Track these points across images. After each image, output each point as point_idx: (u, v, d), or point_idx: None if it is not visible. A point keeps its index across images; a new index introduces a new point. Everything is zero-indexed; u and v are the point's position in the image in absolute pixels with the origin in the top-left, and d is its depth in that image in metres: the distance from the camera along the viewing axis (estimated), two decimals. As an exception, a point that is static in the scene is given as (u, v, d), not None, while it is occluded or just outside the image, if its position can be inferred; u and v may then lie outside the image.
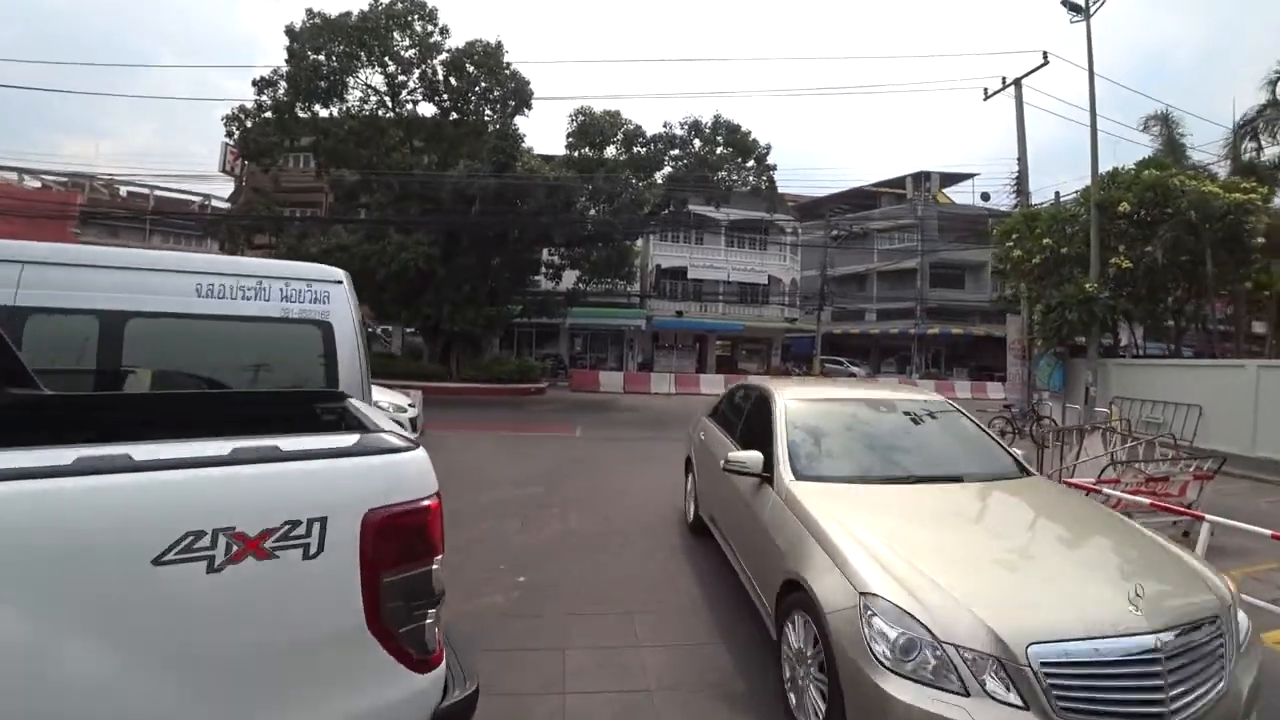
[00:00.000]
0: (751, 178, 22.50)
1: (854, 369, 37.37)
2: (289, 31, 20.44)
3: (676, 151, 22.20)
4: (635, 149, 22.02)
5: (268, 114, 21.27)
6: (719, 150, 21.86)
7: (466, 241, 22.36)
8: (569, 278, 25.95)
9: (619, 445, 12.22)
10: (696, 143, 22.09)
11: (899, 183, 39.59)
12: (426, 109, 22.86)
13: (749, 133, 21.08)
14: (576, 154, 22.39)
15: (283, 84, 20.78)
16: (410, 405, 10.76)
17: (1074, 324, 14.58)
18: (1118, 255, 14.44)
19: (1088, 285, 14.36)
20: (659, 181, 22.67)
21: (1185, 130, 18.75)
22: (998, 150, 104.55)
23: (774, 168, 21.94)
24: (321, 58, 20.72)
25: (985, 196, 34.83)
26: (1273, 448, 10.97)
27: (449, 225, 21.18)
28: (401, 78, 21.92)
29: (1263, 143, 18.38)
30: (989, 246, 40.66)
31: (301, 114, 21.72)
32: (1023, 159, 18.80)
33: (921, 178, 39.21)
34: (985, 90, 19.72)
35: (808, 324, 36.77)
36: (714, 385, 26.63)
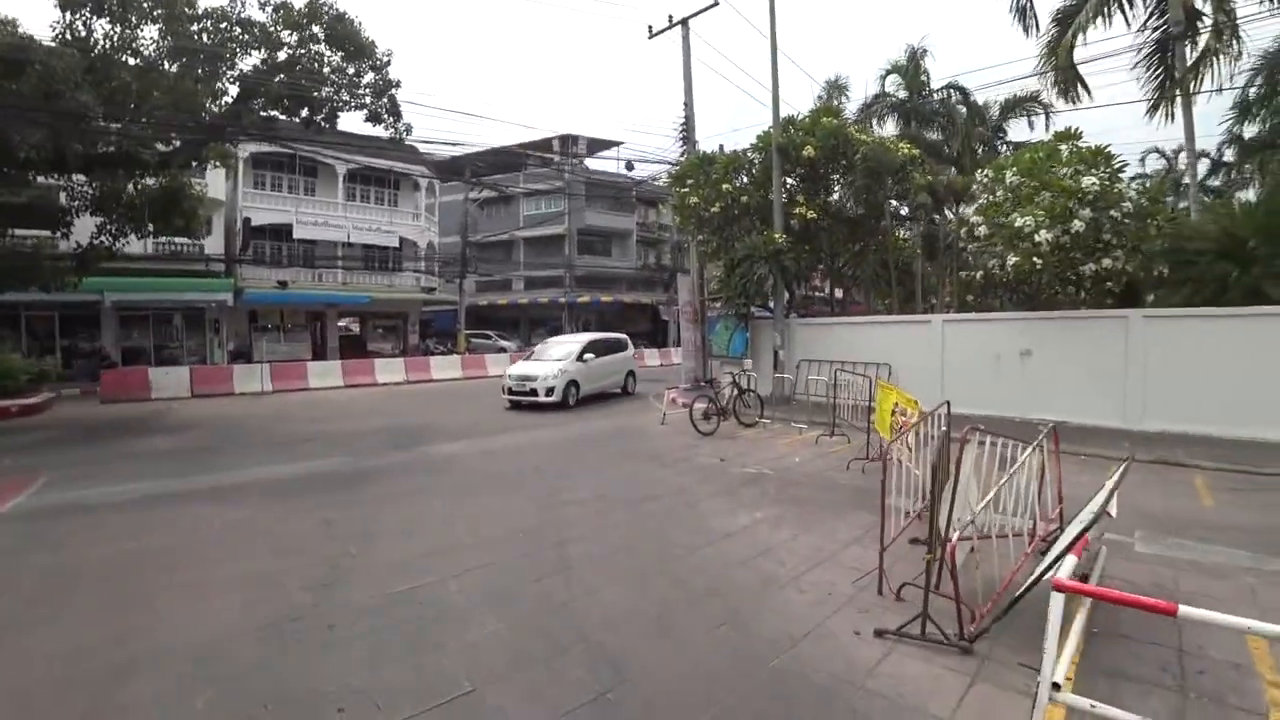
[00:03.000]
0: (369, 97, 16.69)
1: (504, 343, 34.21)
2: None
3: (256, 40, 15.25)
4: (182, 26, 14.43)
5: None
6: (319, 48, 15.64)
7: None
8: (86, 228, 16.78)
9: (81, 534, 6.13)
10: (285, 34, 15.46)
11: (545, 145, 37.12)
12: None
13: (361, 24, 15.32)
14: (77, 17, 13.75)
15: None
16: None
17: (762, 280, 12.98)
18: (801, 205, 13.26)
19: (777, 236, 12.82)
20: (227, 85, 15.50)
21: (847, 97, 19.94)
22: (647, 116, 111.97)
23: (398, 84, 16.56)
24: None
25: (629, 166, 34.14)
26: (959, 401, 10.35)
27: None
28: None
29: (874, 125, 20.30)
30: (635, 215, 41.60)
31: None
32: (689, 104, 17.09)
33: (569, 140, 37.34)
34: (650, 28, 17.65)
35: (449, 294, 32.17)
36: (329, 376, 20.25)
